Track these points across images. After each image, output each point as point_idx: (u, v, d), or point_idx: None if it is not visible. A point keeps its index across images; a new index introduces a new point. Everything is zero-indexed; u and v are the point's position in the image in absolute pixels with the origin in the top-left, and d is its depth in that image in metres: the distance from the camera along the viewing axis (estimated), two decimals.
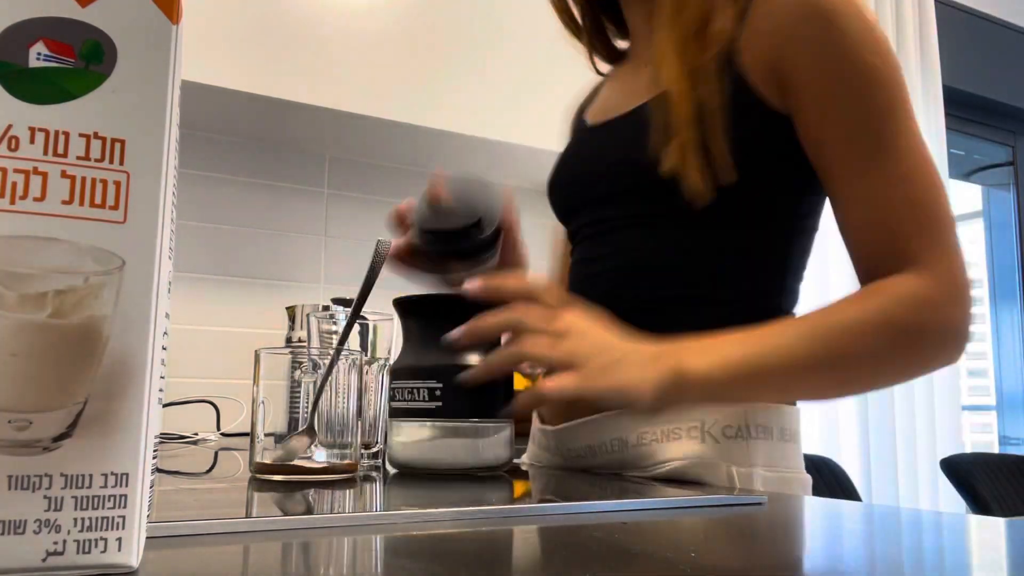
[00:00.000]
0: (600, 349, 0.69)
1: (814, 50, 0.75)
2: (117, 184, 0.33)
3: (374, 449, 0.77)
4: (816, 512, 0.61)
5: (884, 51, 0.75)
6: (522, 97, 1.99)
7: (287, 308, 2.03)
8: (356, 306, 0.76)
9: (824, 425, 2.82)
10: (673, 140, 0.78)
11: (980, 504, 2.57)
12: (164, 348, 0.37)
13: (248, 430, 1.91)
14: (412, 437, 0.71)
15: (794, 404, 0.89)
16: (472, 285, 0.71)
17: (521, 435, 0.81)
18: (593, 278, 0.89)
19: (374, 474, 0.74)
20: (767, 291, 0.86)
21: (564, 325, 0.70)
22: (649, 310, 0.83)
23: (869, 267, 0.77)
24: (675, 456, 0.79)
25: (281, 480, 0.66)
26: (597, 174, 0.89)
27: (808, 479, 0.88)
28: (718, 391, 0.71)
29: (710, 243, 0.82)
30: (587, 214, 0.91)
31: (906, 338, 0.72)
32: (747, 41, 0.79)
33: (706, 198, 0.78)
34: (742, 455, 0.80)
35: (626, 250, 0.86)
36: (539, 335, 0.69)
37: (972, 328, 0.74)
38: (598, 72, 1.07)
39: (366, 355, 0.78)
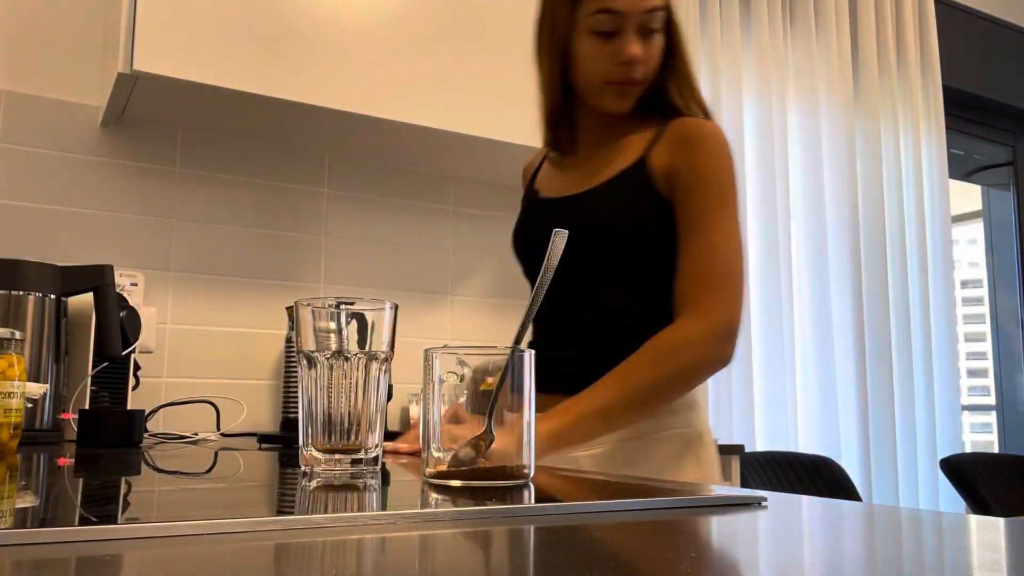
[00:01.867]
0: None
1: (689, 162, 1.17)
2: None
3: (373, 452, 0.77)
4: (816, 512, 0.61)
5: (727, 166, 1.17)
6: (521, 96, 1.99)
7: (287, 308, 2.02)
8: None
9: (824, 425, 2.82)
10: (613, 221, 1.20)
11: (980, 504, 2.58)
12: None
13: (248, 430, 1.91)
14: None
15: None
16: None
17: None
18: (562, 325, 1.24)
19: (374, 474, 0.74)
20: (661, 316, 1.19)
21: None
22: (603, 334, 1.20)
23: (677, 301, 1.16)
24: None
25: (458, 486, 0.66)
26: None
27: (710, 435, 1.23)
28: (572, 438, 1.08)
29: (636, 291, 1.20)
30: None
31: (681, 373, 1.11)
32: (654, 157, 1.20)
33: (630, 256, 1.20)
34: (670, 424, 1.20)
35: (575, 301, 1.23)
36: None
37: (729, 354, 1.11)
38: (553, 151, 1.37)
39: (364, 349, 0.78)
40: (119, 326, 1.33)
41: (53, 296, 1.40)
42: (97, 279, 1.36)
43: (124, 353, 1.47)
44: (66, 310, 1.45)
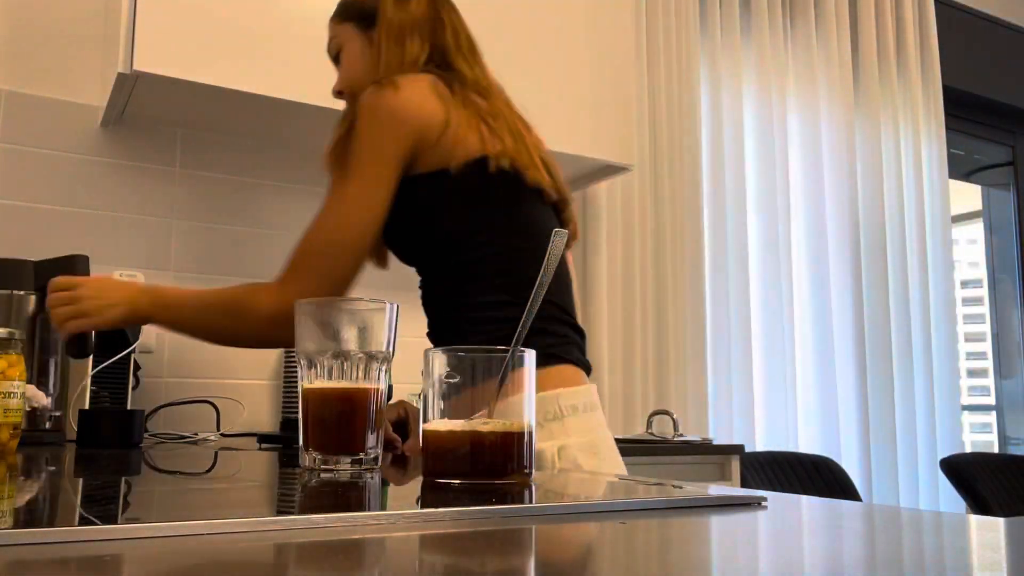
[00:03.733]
0: (89, 298, 1.15)
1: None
2: None
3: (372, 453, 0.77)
4: (816, 512, 0.61)
5: (364, 129, 1.10)
6: (520, 96, 1.99)
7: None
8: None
9: (824, 425, 2.82)
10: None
11: (980, 504, 2.58)
12: None
13: (248, 430, 1.91)
14: None
15: (584, 383, 1.11)
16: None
17: None
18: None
19: (373, 474, 0.74)
20: (486, 302, 1.12)
21: (73, 294, 1.16)
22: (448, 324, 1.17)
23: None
24: None
25: (458, 486, 0.65)
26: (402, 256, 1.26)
27: (609, 435, 1.13)
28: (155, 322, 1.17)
29: (437, 283, 1.17)
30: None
31: (227, 312, 1.12)
32: None
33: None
34: (559, 431, 1.03)
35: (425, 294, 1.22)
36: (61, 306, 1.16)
37: (270, 314, 1.07)
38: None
39: (364, 349, 0.78)
40: None
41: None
42: (68, 270, 1.35)
43: (125, 353, 1.47)
44: None
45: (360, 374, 0.76)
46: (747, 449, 2.34)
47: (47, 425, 1.32)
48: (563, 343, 1.11)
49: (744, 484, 2.18)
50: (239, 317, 1.10)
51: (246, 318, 1.09)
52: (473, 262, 1.10)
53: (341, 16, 1.29)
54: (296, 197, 2.10)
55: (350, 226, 1.08)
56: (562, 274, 1.16)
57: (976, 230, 3.88)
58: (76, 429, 1.31)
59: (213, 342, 1.20)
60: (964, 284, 3.92)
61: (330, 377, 0.76)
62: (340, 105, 1.82)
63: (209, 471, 0.86)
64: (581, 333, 1.15)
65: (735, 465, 2.10)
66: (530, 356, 0.72)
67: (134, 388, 1.58)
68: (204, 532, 0.43)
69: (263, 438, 1.55)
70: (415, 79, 1.11)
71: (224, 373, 1.99)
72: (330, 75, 1.81)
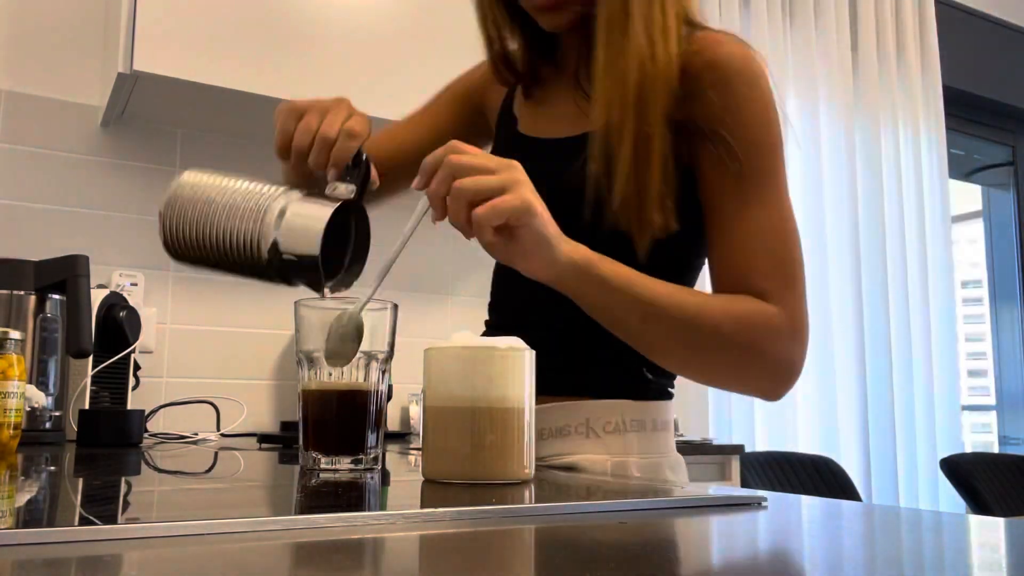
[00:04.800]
0: (518, 182, 0.74)
1: (713, 111, 0.85)
2: None
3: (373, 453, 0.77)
4: (816, 512, 0.61)
5: (774, 118, 0.86)
6: None
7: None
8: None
9: (824, 425, 2.82)
10: (613, 198, 0.85)
11: (980, 504, 2.57)
12: None
13: (248, 430, 1.91)
14: None
15: (667, 395, 0.97)
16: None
17: None
18: (521, 293, 0.96)
19: (373, 474, 0.74)
20: None
21: (499, 163, 0.74)
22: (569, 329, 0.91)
23: (729, 291, 0.87)
24: (566, 451, 0.91)
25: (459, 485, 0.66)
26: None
27: (680, 459, 0.98)
28: (602, 293, 0.80)
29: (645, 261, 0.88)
30: None
31: (749, 346, 0.83)
32: (684, 95, 0.86)
33: (641, 253, 0.85)
34: (618, 447, 0.91)
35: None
36: (477, 171, 0.73)
37: (802, 367, 0.85)
38: (506, 82, 1.07)
39: (364, 348, 0.78)
40: (90, 320, 1.31)
41: (56, 296, 1.40)
42: (67, 270, 1.34)
43: (125, 353, 1.47)
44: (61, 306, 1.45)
45: (360, 374, 0.76)
46: (747, 449, 2.34)
47: (47, 425, 1.32)
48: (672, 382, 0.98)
49: (744, 484, 2.18)
50: (750, 354, 0.82)
51: (761, 339, 0.82)
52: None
53: None
54: None
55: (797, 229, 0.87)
56: None
57: (976, 230, 3.88)
58: (76, 429, 1.31)
59: (680, 360, 0.87)
60: (964, 284, 3.91)
61: (330, 377, 0.76)
62: None
63: (209, 471, 0.86)
64: None
65: (735, 465, 2.10)
66: (530, 354, 0.72)
67: (134, 388, 1.58)
68: (204, 532, 0.43)
69: (263, 438, 1.56)
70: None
71: (224, 373, 1.99)
72: (329, 75, 1.81)
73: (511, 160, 0.75)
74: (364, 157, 0.88)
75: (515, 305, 1.01)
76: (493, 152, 1.01)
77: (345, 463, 0.74)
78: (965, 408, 3.56)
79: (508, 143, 1.04)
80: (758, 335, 0.82)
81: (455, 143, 0.75)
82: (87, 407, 1.45)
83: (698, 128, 0.86)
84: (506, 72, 1.03)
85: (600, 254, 0.80)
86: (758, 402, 2.69)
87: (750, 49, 0.89)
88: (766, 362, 0.83)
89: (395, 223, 0.81)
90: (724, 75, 0.86)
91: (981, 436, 3.82)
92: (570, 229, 0.80)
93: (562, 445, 0.92)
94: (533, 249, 0.75)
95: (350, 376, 0.76)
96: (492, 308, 1.06)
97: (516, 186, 0.73)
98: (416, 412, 2.11)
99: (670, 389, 0.97)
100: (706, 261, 0.92)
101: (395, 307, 0.80)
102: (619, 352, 0.86)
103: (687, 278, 0.94)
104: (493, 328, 1.04)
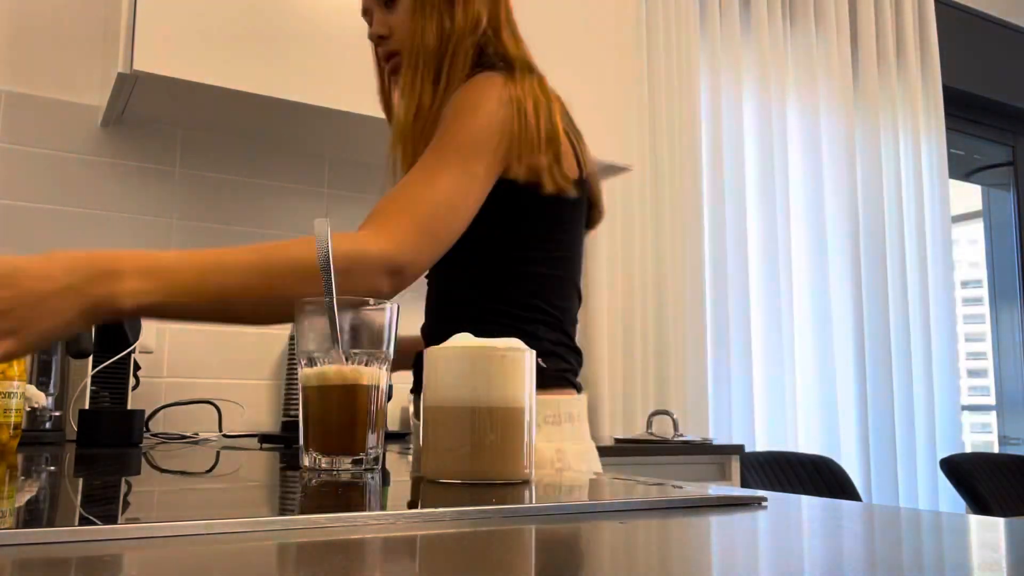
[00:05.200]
0: (18, 300, 0.71)
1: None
2: None
3: (373, 453, 0.77)
4: (816, 512, 0.61)
5: (473, 107, 1.02)
6: None
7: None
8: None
9: (824, 425, 2.82)
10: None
11: (980, 504, 2.58)
12: None
13: (249, 430, 1.91)
14: None
15: (578, 392, 1.14)
16: None
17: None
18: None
19: (373, 474, 0.74)
20: (520, 304, 1.11)
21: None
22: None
23: (364, 223, 0.98)
24: None
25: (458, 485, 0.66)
26: None
27: (592, 445, 1.15)
28: (149, 313, 0.80)
29: (458, 275, 1.11)
30: None
31: (285, 262, 0.86)
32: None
33: None
34: (558, 435, 1.07)
35: (432, 289, 1.21)
36: None
37: (393, 292, 0.92)
38: None
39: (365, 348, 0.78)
40: None
41: None
42: None
43: (125, 353, 1.47)
44: None
45: (361, 374, 0.76)
46: (747, 449, 2.34)
47: (47, 425, 1.32)
48: (574, 369, 1.14)
49: (744, 484, 2.18)
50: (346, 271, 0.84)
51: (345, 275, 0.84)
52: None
53: None
54: (296, 197, 2.10)
55: (454, 203, 0.99)
56: (577, 291, 1.17)
57: (976, 230, 3.88)
58: (76, 429, 1.31)
59: (263, 314, 0.88)
60: (964, 284, 3.92)
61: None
62: (340, 106, 1.82)
63: (209, 471, 0.86)
64: (580, 358, 1.18)
65: (735, 465, 2.10)
66: (530, 355, 0.72)
67: (134, 388, 1.58)
68: (204, 532, 0.43)
69: (264, 438, 1.56)
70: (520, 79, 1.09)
71: (224, 373, 1.99)
72: (328, 76, 1.81)
73: (16, 269, 0.73)
74: None
75: (427, 314, 1.21)
76: None
77: (345, 463, 0.74)
78: (965, 408, 3.56)
79: None
80: (293, 251, 0.86)
81: None
82: (87, 407, 1.45)
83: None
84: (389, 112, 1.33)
85: (136, 286, 0.78)
86: (758, 402, 2.69)
87: (506, 80, 1.06)
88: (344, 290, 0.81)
89: None
90: (457, 93, 1.07)
91: (981, 436, 3.82)
92: None
93: None
94: (30, 322, 0.72)
95: (351, 376, 0.76)
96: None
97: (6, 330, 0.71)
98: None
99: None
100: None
101: (395, 307, 0.80)
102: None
103: (481, 260, 1.09)
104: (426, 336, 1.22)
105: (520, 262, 1.10)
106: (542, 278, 1.11)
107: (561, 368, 1.11)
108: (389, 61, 1.20)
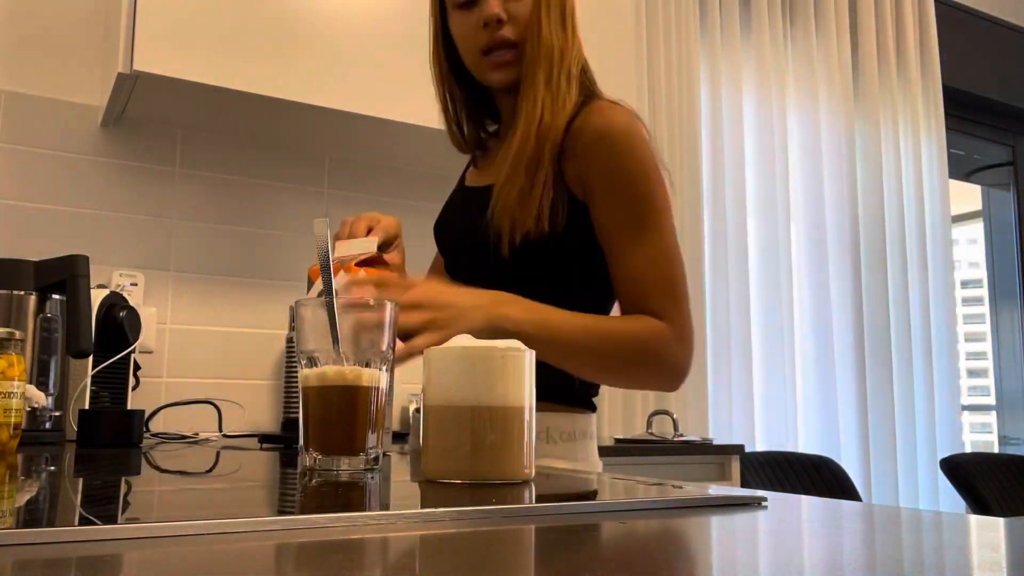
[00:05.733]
0: (441, 308, 0.97)
1: (602, 165, 1.07)
2: None
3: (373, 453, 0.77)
4: (816, 512, 0.61)
5: (652, 168, 1.07)
6: None
7: (291, 307, 2.03)
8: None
9: (824, 425, 2.82)
10: (497, 209, 1.09)
11: (980, 504, 2.57)
12: None
13: (249, 430, 1.91)
14: None
15: (591, 409, 1.19)
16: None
17: None
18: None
19: (373, 474, 0.74)
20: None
21: (413, 299, 0.97)
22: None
23: (629, 313, 1.08)
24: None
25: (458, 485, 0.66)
26: (456, 231, 1.23)
27: (599, 462, 1.20)
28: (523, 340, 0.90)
29: (527, 292, 1.06)
30: (452, 259, 1.25)
31: (644, 357, 1.04)
32: (564, 149, 1.09)
33: (505, 252, 1.08)
34: (572, 452, 1.13)
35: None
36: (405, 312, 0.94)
37: (689, 365, 1.06)
38: (461, 149, 1.32)
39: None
40: (90, 320, 1.31)
41: (56, 296, 1.40)
42: (67, 270, 1.34)
43: (125, 353, 1.47)
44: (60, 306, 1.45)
45: (361, 374, 0.76)
46: (747, 449, 2.34)
47: (47, 425, 1.32)
48: (597, 392, 1.20)
49: (744, 484, 2.18)
50: (645, 363, 1.05)
51: (658, 350, 1.03)
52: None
53: None
54: (296, 197, 2.10)
55: (682, 264, 1.09)
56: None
57: (976, 230, 3.88)
58: (76, 429, 1.31)
59: (593, 374, 1.10)
60: (964, 284, 3.92)
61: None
62: (340, 106, 1.82)
63: (209, 471, 0.86)
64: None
65: (735, 465, 2.10)
66: (530, 355, 0.72)
67: (134, 388, 1.58)
68: (204, 532, 0.43)
69: (264, 438, 1.56)
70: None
71: (224, 373, 1.99)
72: (329, 75, 1.81)
73: (445, 291, 1.02)
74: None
75: None
76: (444, 205, 1.30)
77: (345, 463, 0.74)
78: (965, 408, 3.56)
79: (454, 196, 1.30)
80: (651, 347, 1.04)
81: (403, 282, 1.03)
82: (87, 407, 1.45)
83: (591, 180, 1.08)
84: (458, 135, 1.27)
85: (520, 316, 1.00)
86: (758, 402, 2.69)
87: (634, 118, 1.10)
88: (661, 366, 1.05)
89: None
90: (610, 142, 1.07)
91: (981, 436, 3.82)
92: (479, 261, 1.10)
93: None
94: (453, 323, 0.97)
95: (351, 376, 0.76)
96: None
97: (436, 325, 0.95)
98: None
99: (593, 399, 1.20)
100: (576, 272, 1.13)
101: (395, 307, 0.80)
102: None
103: (556, 277, 1.11)
104: None
105: (601, 301, 1.15)
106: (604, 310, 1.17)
107: (590, 391, 1.17)
108: (497, 50, 1.13)
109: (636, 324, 1.05)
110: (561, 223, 1.08)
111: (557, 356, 1.02)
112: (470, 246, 1.16)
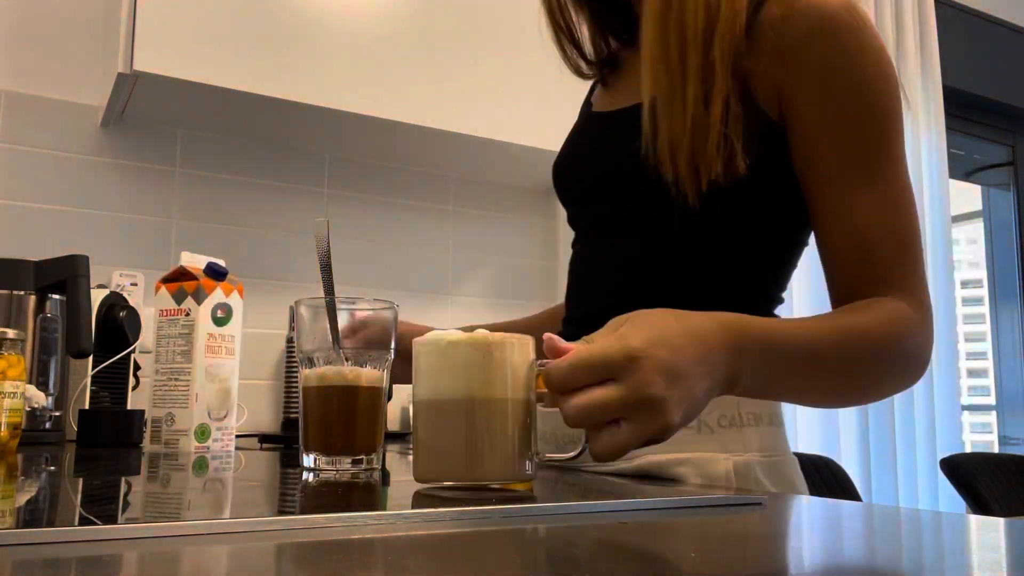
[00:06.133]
0: (684, 400, 0.60)
1: (820, 73, 0.77)
2: None
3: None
4: (816, 512, 0.61)
5: (886, 75, 0.78)
6: (521, 96, 1.99)
7: (291, 307, 2.03)
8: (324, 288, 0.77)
9: (824, 425, 2.82)
10: (660, 141, 0.78)
11: (980, 504, 2.57)
12: None
13: (249, 430, 1.91)
14: None
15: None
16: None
17: None
18: (593, 279, 0.92)
19: (373, 474, 0.74)
20: (752, 296, 0.88)
21: (637, 398, 0.58)
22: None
23: (845, 283, 0.80)
24: (672, 450, 0.78)
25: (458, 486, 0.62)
26: (595, 168, 0.91)
27: (795, 459, 0.89)
28: (757, 394, 0.73)
29: (699, 246, 0.83)
30: (586, 207, 0.95)
31: (901, 356, 0.76)
32: (751, 48, 0.79)
33: (692, 200, 0.78)
34: (737, 443, 0.81)
35: (622, 254, 0.88)
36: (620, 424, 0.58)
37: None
38: (581, 72, 1.03)
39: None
40: (90, 320, 1.31)
41: (56, 296, 1.40)
42: (67, 270, 1.34)
43: (125, 353, 1.47)
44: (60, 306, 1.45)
45: (360, 374, 0.76)
46: None
47: (47, 425, 1.32)
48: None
49: None
50: (904, 367, 0.77)
51: (913, 367, 0.77)
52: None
53: None
54: (296, 197, 2.10)
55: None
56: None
57: (976, 230, 3.88)
58: (76, 429, 1.31)
59: (838, 399, 0.81)
60: (964, 284, 3.91)
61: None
62: (340, 106, 1.82)
63: (209, 471, 0.86)
64: None
65: None
66: (530, 343, 0.71)
67: (134, 388, 1.58)
68: (204, 532, 0.43)
69: (264, 438, 1.56)
70: None
71: None
72: (328, 76, 1.81)
73: (632, 352, 0.58)
74: None
75: (598, 297, 0.91)
76: (566, 142, 0.98)
77: (345, 463, 0.74)
78: (965, 408, 3.56)
79: (580, 126, 1.00)
80: (907, 343, 0.75)
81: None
82: (87, 407, 1.45)
83: (799, 94, 0.78)
84: (579, 60, 1.00)
85: (742, 345, 0.66)
86: None
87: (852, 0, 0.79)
88: (918, 365, 0.78)
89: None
90: (830, 37, 0.76)
91: (981, 436, 3.82)
92: (633, 197, 0.81)
93: (667, 444, 0.66)
94: (691, 416, 0.62)
95: (351, 376, 0.76)
96: (571, 302, 0.96)
97: (641, 410, 0.58)
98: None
99: None
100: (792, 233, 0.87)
101: (396, 307, 0.80)
102: None
103: (748, 236, 0.84)
104: (571, 324, 0.94)
105: (778, 273, 0.92)
106: (786, 266, 0.91)
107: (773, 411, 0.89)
108: None
109: (881, 315, 0.74)
110: (752, 159, 0.77)
111: (797, 393, 0.76)
112: (615, 190, 0.86)
